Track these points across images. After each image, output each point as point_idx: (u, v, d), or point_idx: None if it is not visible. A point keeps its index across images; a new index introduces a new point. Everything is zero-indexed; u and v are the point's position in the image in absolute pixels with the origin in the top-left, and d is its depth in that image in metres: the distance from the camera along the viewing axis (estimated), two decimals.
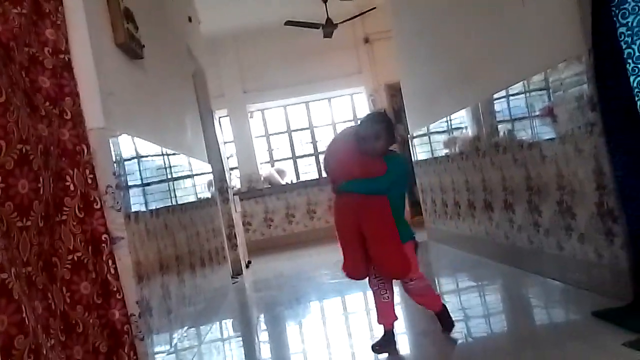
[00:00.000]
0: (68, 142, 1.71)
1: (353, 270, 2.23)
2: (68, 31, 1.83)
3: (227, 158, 6.11)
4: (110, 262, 1.74)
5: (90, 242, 1.70)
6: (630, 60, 2.11)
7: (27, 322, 1.23)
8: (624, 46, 2.11)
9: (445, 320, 2.30)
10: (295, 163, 7.91)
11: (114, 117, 2.04)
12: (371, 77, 7.61)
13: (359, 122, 2.28)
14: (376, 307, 2.28)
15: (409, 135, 5.25)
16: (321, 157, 7.91)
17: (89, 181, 1.74)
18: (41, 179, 1.47)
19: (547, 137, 2.64)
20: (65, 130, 1.70)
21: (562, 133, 2.49)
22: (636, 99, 2.09)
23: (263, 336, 3.00)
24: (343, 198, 2.19)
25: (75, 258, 1.64)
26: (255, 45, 7.44)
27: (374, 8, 6.28)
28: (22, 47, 1.59)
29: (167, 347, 2.23)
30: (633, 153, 2.09)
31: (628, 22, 2.10)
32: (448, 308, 2.33)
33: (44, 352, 1.27)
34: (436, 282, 3.44)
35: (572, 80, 2.35)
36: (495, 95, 3.15)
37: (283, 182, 7.49)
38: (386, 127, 2.16)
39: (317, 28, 6.08)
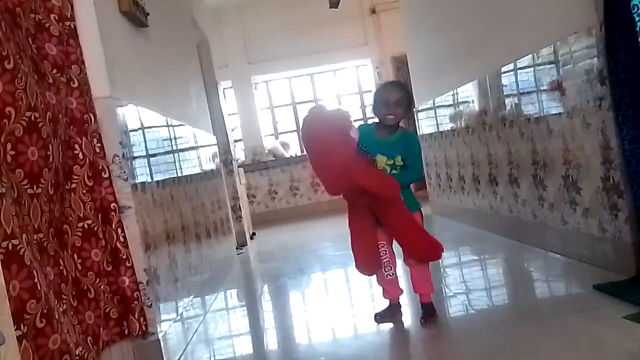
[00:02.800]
0: (76, 111, 1.70)
1: (368, 267, 2.25)
2: None
3: (232, 130, 6.10)
4: (119, 230, 1.76)
5: (99, 210, 1.71)
6: None
7: (38, 287, 1.25)
8: (636, 19, 2.07)
9: (427, 312, 2.18)
10: (299, 136, 7.89)
11: (119, 86, 2.03)
12: (377, 49, 7.52)
13: (379, 87, 2.24)
14: (380, 284, 2.30)
15: (414, 109, 5.22)
16: None
17: (97, 150, 1.75)
18: (50, 147, 1.48)
19: (555, 111, 2.62)
20: (72, 99, 1.70)
21: (570, 107, 2.48)
22: None
23: (267, 306, 3.04)
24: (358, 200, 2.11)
25: (86, 226, 1.65)
26: (259, 15, 7.33)
27: None
28: (28, 13, 1.58)
29: (174, 314, 2.27)
30: None
31: None
32: (445, 288, 2.32)
33: (56, 316, 1.30)
34: None
35: (582, 53, 2.33)
36: (503, 69, 3.12)
37: (287, 155, 7.48)
38: (408, 95, 2.16)
39: None
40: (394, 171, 2.11)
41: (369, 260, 2.22)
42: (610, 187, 2.27)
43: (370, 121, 2.33)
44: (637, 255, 2.17)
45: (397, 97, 2.09)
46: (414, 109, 5.18)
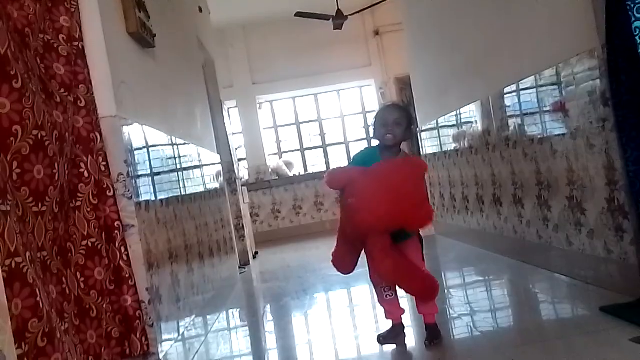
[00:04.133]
0: (82, 130, 1.72)
1: (342, 264, 2.20)
2: (81, 18, 1.84)
3: (236, 149, 6.13)
4: (122, 249, 1.75)
5: (103, 228, 1.71)
6: None
7: (41, 306, 1.24)
8: (638, 41, 2.09)
9: (432, 333, 2.16)
10: (303, 155, 7.91)
11: (126, 106, 2.05)
12: (381, 70, 7.58)
13: (379, 109, 2.24)
14: (381, 305, 2.28)
15: (417, 129, 5.23)
16: (329, 150, 7.92)
17: (102, 169, 1.76)
18: (56, 165, 1.49)
19: (558, 132, 2.63)
20: (79, 118, 1.71)
21: (573, 128, 2.48)
22: None
23: (269, 326, 3.02)
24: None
25: (90, 244, 1.65)
26: (264, 36, 7.43)
27: (385, 0, 6.25)
28: (37, 33, 1.60)
29: (175, 334, 2.25)
30: None
31: None
32: (449, 310, 2.30)
33: (58, 335, 1.29)
34: (443, 276, 3.44)
35: (584, 75, 2.34)
36: (506, 90, 3.13)
37: (291, 174, 7.50)
38: (407, 115, 2.14)
39: (327, 20, 6.05)
40: None
41: (342, 256, 2.17)
42: (615, 209, 2.26)
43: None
44: None
45: (395, 117, 2.09)
46: (418, 129, 5.20)
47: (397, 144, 2.12)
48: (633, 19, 2.09)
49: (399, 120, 2.09)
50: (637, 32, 2.09)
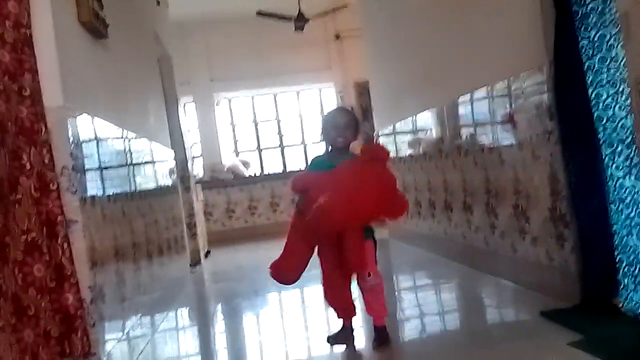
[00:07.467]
0: (26, 120, 1.65)
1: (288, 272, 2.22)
2: (30, 5, 1.76)
3: (191, 146, 6.02)
4: (65, 245, 1.69)
5: (45, 223, 1.64)
6: (589, 73, 2.18)
7: None
8: (584, 59, 2.18)
9: (380, 336, 2.18)
10: (260, 155, 7.86)
11: (74, 97, 1.99)
12: (340, 73, 7.64)
13: (327, 113, 2.32)
14: (330, 305, 2.31)
15: (375, 134, 5.29)
16: (287, 150, 7.91)
17: (46, 161, 1.69)
18: None
19: (507, 143, 2.71)
20: (23, 108, 1.64)
21: (521, 139, 2.57)
22: (592, 110, 2.17)
23: (219, 327, 2.98)
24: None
25: (29, 239, 1.58)
26: (224, 33, 7.34)
27: (346, 6, 6.30)
28: None
29: (119, 334, 2.19)
30: (587, 162, 2.17)
31: (590, 35, 2.17)
32: (400, 310, 2.33)
33: None
34: (394, 279, 3.49)
35: (532, 89, 2.43)
36: (460, 99, 3.21)
37: (247, 174, 7.43)
38: (355, 119, 2.24)
39: (289, 20, 6.05)
40: None
41: (290, 263, 2.20)
42: (557, 217, 2.36)
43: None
44: (582, 284, 2.25)
45: (345, 120, 2.19)
46: (375, 134, 5.26)
47: (347, 146, 2.21)
48: (580, 37, 2.18)
49: (349, 124, 2.19)
50: (583, 50, 2.18)
